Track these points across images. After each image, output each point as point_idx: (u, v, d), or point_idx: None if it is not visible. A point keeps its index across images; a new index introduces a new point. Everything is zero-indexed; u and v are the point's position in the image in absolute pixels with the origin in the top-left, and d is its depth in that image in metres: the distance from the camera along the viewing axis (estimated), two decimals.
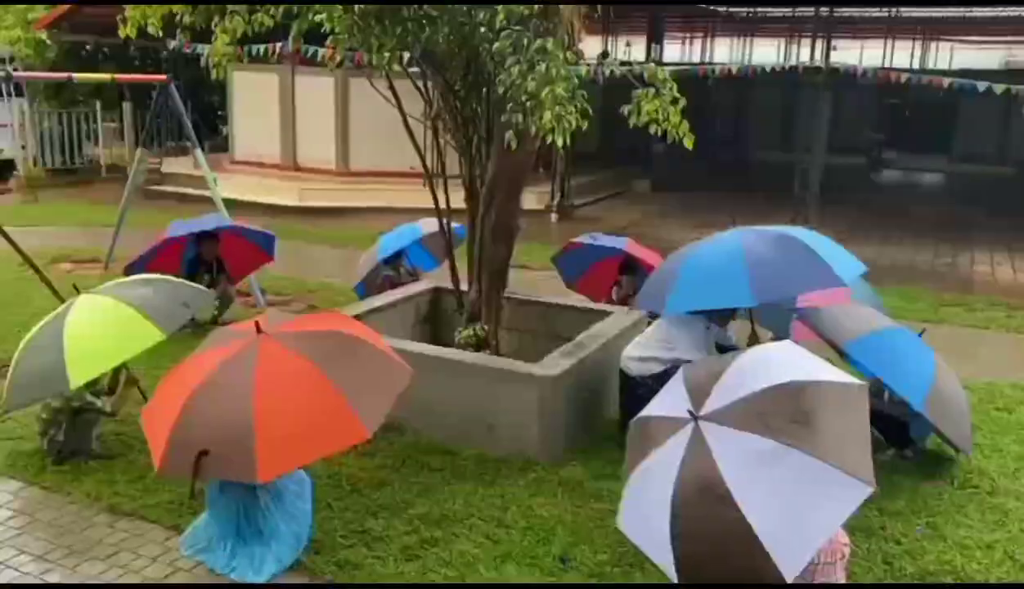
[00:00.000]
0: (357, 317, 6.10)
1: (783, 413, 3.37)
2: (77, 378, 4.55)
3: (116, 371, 5.23)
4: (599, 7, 5.38)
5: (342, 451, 4.64)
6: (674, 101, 5.14)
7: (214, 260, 7.76)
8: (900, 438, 5.38)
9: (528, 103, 4.60)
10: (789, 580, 3.11)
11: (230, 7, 5.21)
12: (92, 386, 5.04)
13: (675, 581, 3.32)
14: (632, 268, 7.26)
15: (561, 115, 4.52)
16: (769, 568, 3.10)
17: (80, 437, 5.11)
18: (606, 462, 5.19)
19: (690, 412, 3.55)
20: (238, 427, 3.61)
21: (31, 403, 4.94)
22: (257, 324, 4.10)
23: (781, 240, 5.00)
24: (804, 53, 24.03)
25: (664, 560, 3.36)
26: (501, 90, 4.79)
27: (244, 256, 8.02)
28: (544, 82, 4.53)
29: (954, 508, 4.83)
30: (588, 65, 11.80)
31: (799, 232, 5.19)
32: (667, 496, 3.35)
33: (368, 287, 7.73)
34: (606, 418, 5.87)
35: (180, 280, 5.59)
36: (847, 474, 3.22)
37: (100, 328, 4.80)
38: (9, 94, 15.76)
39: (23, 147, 15.92)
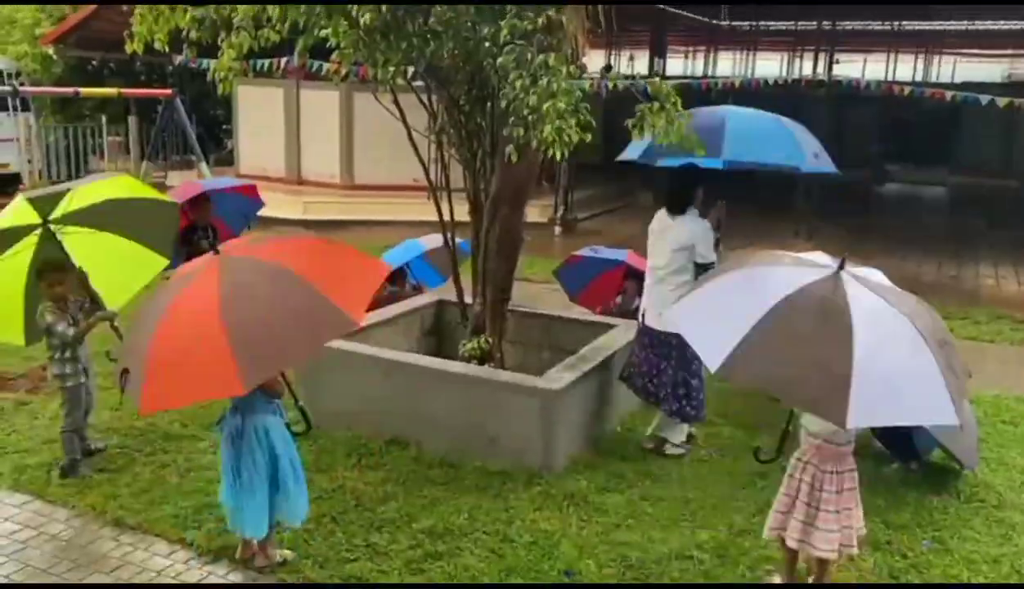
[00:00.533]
0: (361, 330, 6.12)
1: (929, 326, 3.38)
2: (115, 302, 5.00)
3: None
4: (603, 22, 5.40)
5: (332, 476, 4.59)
6: (678, 114, 5.16)
7: (208, 226, 7.37)
8: (905, 451, 5.38)
9: (530, 117, 4.62)
10: (848, 427, 3.21)
11: (236, 23, 5.23)
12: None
13: (712, 371, 3.38)
14: (636, 277, 7.28)
15: (562, 129, 4.53)
16: (835, 409, 3.13)
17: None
18: (610, 475, 5.19)
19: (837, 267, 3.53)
20: (313, 296, 3.57)
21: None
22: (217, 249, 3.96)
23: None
24: (807, 67, 24.13)
25: (714, 357, 3.36)
26: (504, 104, 4.82)
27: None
28: (546, 96, 4.55)
29: (960, 522, 4.81)
30: (592, 79, 11.85)
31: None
32: (766, 302, 3.35)
33: (372, 303, 7.73)
34: (609, 431, 5.87)
35: (146, 190, 5.69)
36: (953, 410, 3.17)
37: (113, 259, 5.12)
38: (16, 109, 15.84)
39: (29, 161, 15.99)
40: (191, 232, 7.10)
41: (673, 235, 5.50)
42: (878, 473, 5.30)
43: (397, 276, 7.84)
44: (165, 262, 5.26)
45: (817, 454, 3.82)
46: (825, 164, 6.09)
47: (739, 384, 3.36)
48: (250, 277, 3.70)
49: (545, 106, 4.51)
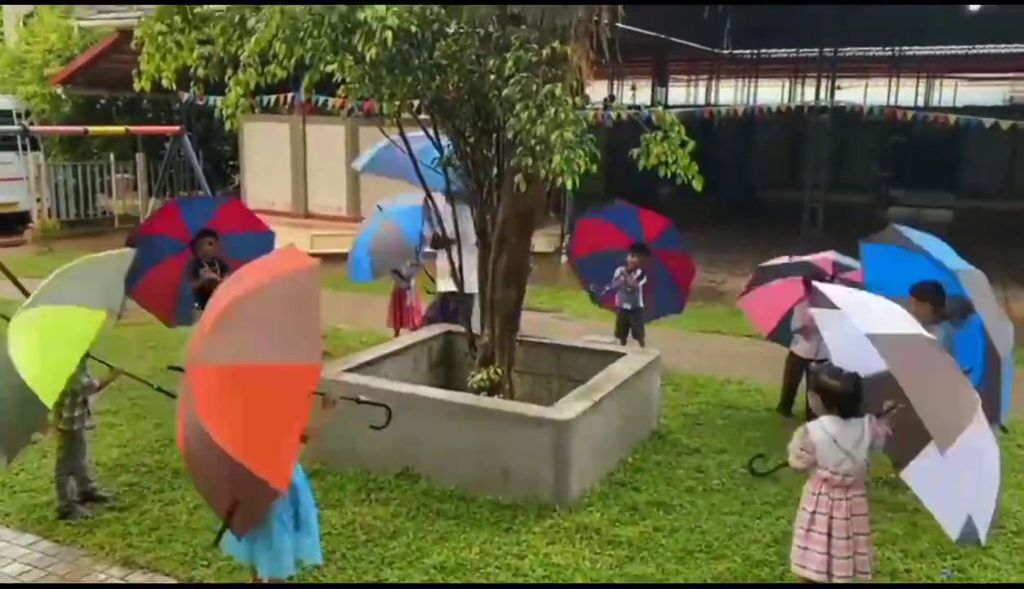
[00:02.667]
0: (369, 363, 6.11)
1: None
2: (48, 396, 3.98)
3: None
4: (606, 53, 5.43)
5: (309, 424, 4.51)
6: (682, 144, 5.19)
7: (215, 260, 7.20)
8: None
9: (537, 147, 4.64)
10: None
11: (243, 60, 5.29)
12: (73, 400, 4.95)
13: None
14: (641, 248, 7.38)
15: (570, 158, 4.56)
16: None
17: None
18: (623, 508, 5.13)
19: None
20: (230, 471, 3.36)
21: (23, 445, 4.55)
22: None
23: None
24: (809, 93, 24.28)
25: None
26: (511, 135, 4.84)
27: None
28: (553, 126, 4.58)
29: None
30: (595, 109, 11.92)
31: None
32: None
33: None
34: (621, 461, 5.81)
35: (96, 255, 5.06)
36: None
37: (43, 339, 4.28)
38: (25, 148, 15.99)
39: (38, 200, 16.11)
40: (197, 266, 7.12)
41: None
42: (894, 501, 5.24)
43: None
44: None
45: (825, 485, 3.84)
46: None
47: (880, 352, 3.61)
48: (223, 332, 3.57)
49: (553, 136, 4.53)
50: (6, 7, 22.20)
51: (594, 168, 4.75)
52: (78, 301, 4.33)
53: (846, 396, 3.79)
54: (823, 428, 3.82)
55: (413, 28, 4.86)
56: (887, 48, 23.59)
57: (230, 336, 3.54)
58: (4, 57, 18.68)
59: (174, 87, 5.76)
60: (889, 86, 27.42)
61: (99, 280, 4.64)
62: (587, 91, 5.83)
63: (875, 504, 4.06)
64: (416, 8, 4.73)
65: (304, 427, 3.58)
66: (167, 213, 7.47)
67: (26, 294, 4.91)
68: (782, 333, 6.80)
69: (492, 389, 5.82)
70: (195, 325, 4.00)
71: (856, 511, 3.83)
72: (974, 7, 14.44)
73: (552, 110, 4.62)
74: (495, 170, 5.85)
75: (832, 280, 6.21)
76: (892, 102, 25.72)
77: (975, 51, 23.08)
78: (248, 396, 3.41)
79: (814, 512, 3.85)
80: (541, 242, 13.37)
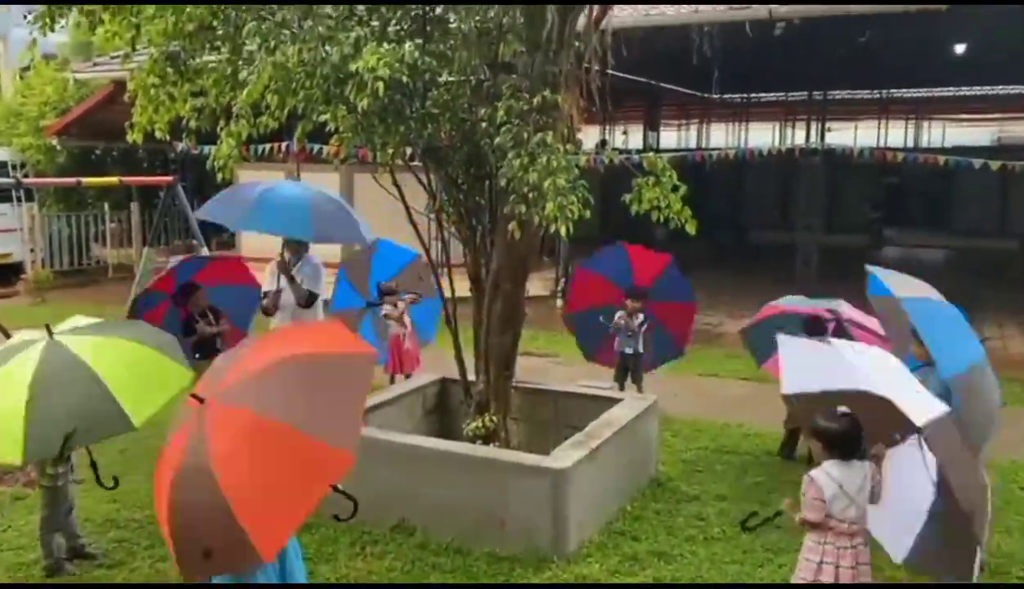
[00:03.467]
0: (364, 411, 6.03)
1: None
2: (139, 416, 4.16)
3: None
4: (596, 100, 5.48)
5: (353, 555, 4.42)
6: (675, 188, 5.21)
7: (205, 310, 7.08)
8: None
9: (531, 194, 4.64)
10: None
11: (235, 111, 5.31)
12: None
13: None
14: (638, 293, 7.35)
15: (563, 205, 4.56)
16: None
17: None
18: (623, 558, 5.04)
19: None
20: (220, 519, 3.18)
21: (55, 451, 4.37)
22: (195, 395, 3.60)
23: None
24: (800, 135, 24.53)
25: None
26: (503, 182, 4.85)
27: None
28: (546, 174, 4.59)
29: None
30: (587, 155, 12.00)
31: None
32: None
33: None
34: (620, 510, 5.72)
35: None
36: None
37: (132, 367, 4.44)
38: (20, 199, 16.02)
39: (32, 250, 16.09)
40: (192, 321, 7.07)
41: None
42: None
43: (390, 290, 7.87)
44: (190, 376, 4.55)
45: (831, 533, 3.77)
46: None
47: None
48: (263, 383, 3.48)
49: (546, 183, 4.54)
50: (3, 64, 22.44)
51: (587, 213, 4.76)
52: (168, 353, 4.58)
53: (846, 438, 3.74)
54: (827, 474, 3.75)
55: (404, 78, 4.89)
56: (876, 91, 23.91)
57: (275, 391, 3.42)
58: (0, 110, 18.82)
59: (167, 138, 5.78)
60: (879, 127, 27.72)
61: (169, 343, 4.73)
62: (579, 136, 5.86)
63: (875, 550, 3.98)
64: (407, 58, 4.76)
65: (310, 514, 3.39)
66: (166, 276, 7.49)
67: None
68: (755, 338, 6.81)
69: (487, 437, 5.75)
70: (220, 360, 3.88)
71: (861, 560, 3.75)
72: (960, 48, 14.65)
73: (544, 158, 4.64)
74: (488, 216, 5.85)
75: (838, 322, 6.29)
76: (882, 143, 25.99)
77: (963, 93, 23.38)
78: (269, 456, 3.26)
79: (820, 562, 3.77)
80: (536, 286, 13.35)
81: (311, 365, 3.56)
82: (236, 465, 3.26)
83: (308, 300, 7.01)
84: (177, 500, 3.32)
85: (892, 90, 23.86)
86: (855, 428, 3.74)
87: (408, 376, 7.81)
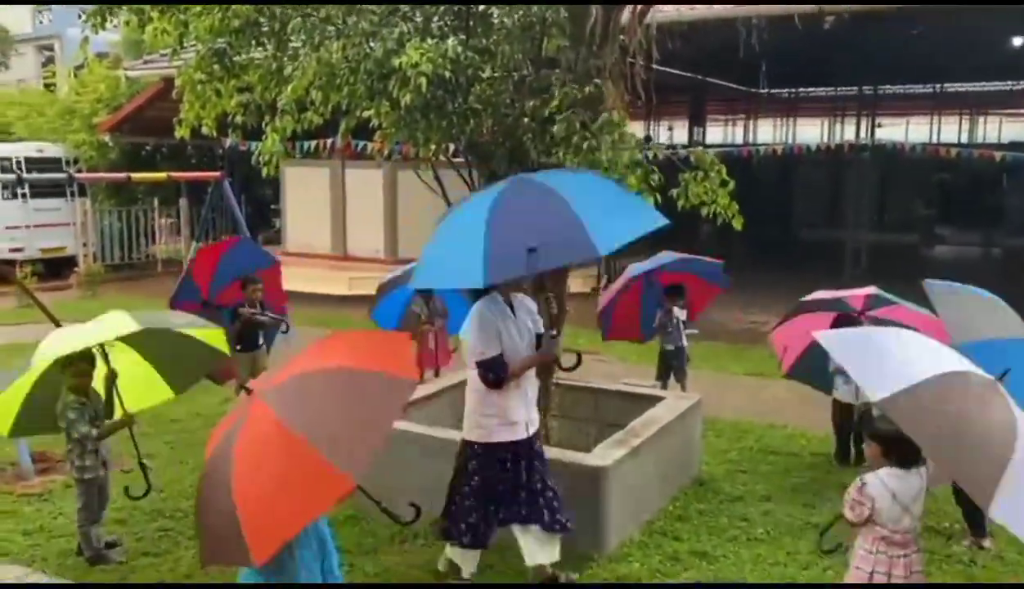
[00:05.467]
0: (405, 406, 6.04)
1: None
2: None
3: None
4: (642, 94, 5.42)
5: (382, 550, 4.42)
6: (723, 183, 5.13)
7: (259, 302, 7.11)
8: (981, 527, 5.07)
9: (605, 170, 4.61)
10: (991, 515, 2.95)
11: (280, 107, 5.36)
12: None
13: (875, 400, 3.18)
14: (675, 291, 7.17)
15: (645, 175, 4.53)
16: (981, 487, 2.98)
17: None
18: (664, 557, 4.98)
19: None
20: (225, 511, 3.26)
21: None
22: (247, 388, 3.70)
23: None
24: (849, 131, 24.09)
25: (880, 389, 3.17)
26: (576, 162, 4.75)
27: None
28: (620, 150, 4.57)
29: None
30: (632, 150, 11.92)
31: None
32: (940, 365, 3.23)
33: (388, 317, 7.69)
34: (662, 509, 5.66)
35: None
36: None
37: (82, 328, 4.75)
38: (72, 194, 16.41)
39: (84, 244, 16.49)
40: (239, 305, 7.15)
41: None
42: (947, 552, 5.02)
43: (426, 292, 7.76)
44: (169, 394, 5.14)
45: (883, 542, 3.63)
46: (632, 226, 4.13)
47: (893, 419, 3.27)
48: (300, 388, 3.56)
49: (625, 156, 4.50)
50: (59, 62, 22.97)
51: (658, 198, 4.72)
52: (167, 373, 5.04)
53: (906, 442, 3.57)
54: (882, 482, 3.58)
55: (447, 74, 4.90)
56: (928, 85, 23.36)
57: (308, 399, 3.49)
58: (56, 107, 19.29)
59: (215, 134, 5.85)
60: (931, 123, 27.09)
61: (186, 364, 5.10)
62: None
63: (927, 556, 3.86)
64: (450, 54, 4.76)
65: (303, 528, 3.44)
66: (209, 253, 7.53)
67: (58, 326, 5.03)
68: (802, 370, 6.44)
69: None
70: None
71: (914, 568, 3.62)
72: (1018, 41, 14.23)
73: (612, 136, 4.61)
74: None
75: (860, 316, 6.01)
76: (934, 139, 25.40)
77: (1020, 86, 22.73)
78: (280, 464, 3.30)
79: (872, 572, 3.64)
80: (577, 283, 13.30)
81: (352, 379, 3.59)
82: (250, 463, 3.33)
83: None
84: (202, 482, 3.45)
85: (945, 84, 23.27)
86: None
87: (437, 372, 7.84)
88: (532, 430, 4.51)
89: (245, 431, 3.40)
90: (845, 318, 6.02)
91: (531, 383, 4.55)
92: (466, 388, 4.58)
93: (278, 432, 3.36)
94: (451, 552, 4.61)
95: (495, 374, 4.30)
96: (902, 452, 3.56)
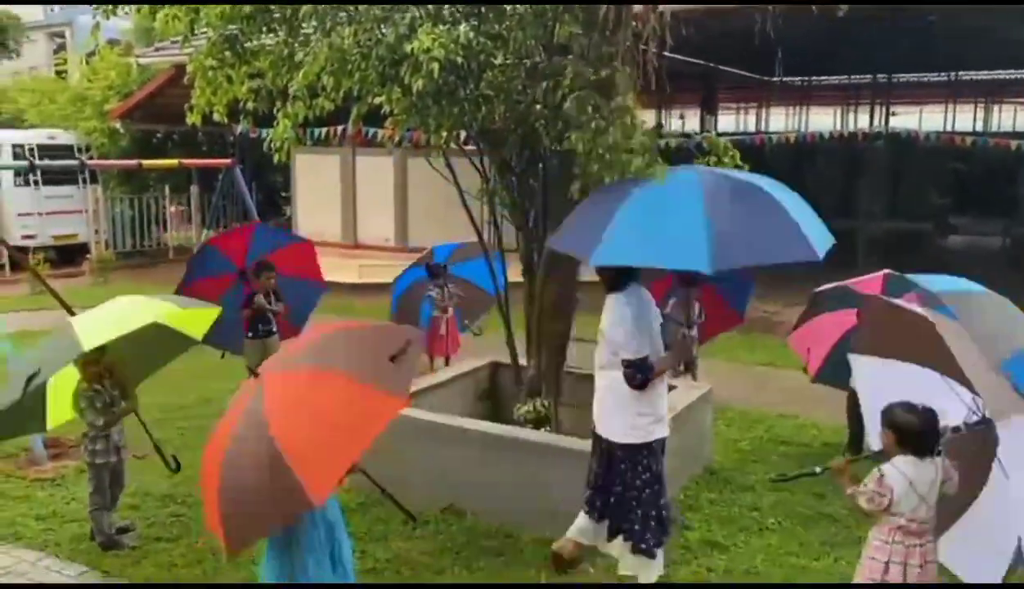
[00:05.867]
0: (414, 394, 6.05)
1: None
2: (89, 343, 4.46)
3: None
4: (653, 80, 5.37)
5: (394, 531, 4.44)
6: (736, 168, 5.08)
7: (271, 291, 7.05)
8: None
9: (607, 155, 4.54)
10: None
11: (291, 93, 5.34)
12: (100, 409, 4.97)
13: None
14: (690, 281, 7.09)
15: (650, 162, 4.46)
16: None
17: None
18: (674, 545, 4.96)
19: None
20: (272, 468, 3.26)
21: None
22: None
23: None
24: (862, 119, 23.88)
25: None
26: (580, 147, 4.68)
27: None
28: (627, 134, 4.53)
29: None
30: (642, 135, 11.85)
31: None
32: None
33: (404, 303, 7.85)
34: (671, 498, 5.63)
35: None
36: None
37: (106, 311, 4.83)
38: (84, 182, 16.46)
39: (96, 231, 16.55)
40: (253, 294, 7.13)
41: (604, 317, 4.44)
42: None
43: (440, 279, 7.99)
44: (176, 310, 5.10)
45: (899, 532, 3.61)
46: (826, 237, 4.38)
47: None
48: (312, 347, 3.79)
49: (634, 140, 4.45)
50: (70, 50, 23.00)
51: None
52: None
53: (923, 433, 3.57)
54: (900, 471, 3.57)
55: (459, 60, 4.86)
56: (943, 73, 23.12)
57: (334, 349, 3.68)
58: (67, 94, 19.33)
59: (226, 120, 5.84)
60: (946, 111, 26.84)
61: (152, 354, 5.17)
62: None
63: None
64: (462, 39, 4.72)
65: (362, 454, 3.48)
66: (238, 234, 7.55)
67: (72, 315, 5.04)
68: (829, 373, 6.26)
69: (539, 422, 5.72)
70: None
71: (929, 558, 3.60)
72: None
73: (624, 119, 4.57)
74: (541, 200, 5.80)
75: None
76: (949, 128, 25.16)
77: None
78: (325, 403, 3.40)
79: (888, 562, 3.62)
80: (589, 270, 13.26)
81: (366, 332, 3.92)
82: (291, 417, 3.41)
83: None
84: (222, 470, 3.40)
85: (961, 73, 23.03)
86: (932, 423, 3.58)
87: (448, 361, 7.84)
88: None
89: (272, 398, 3.48)
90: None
91: (664, 377, 4.50)
92: (602, 389, 4.43)
93: (315, 376, 3.50)
94: (634, 565, 4.39)
95: (644, 375, 4.20)
96: (917, 441, 3.56)
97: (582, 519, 4.54)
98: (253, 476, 3.31)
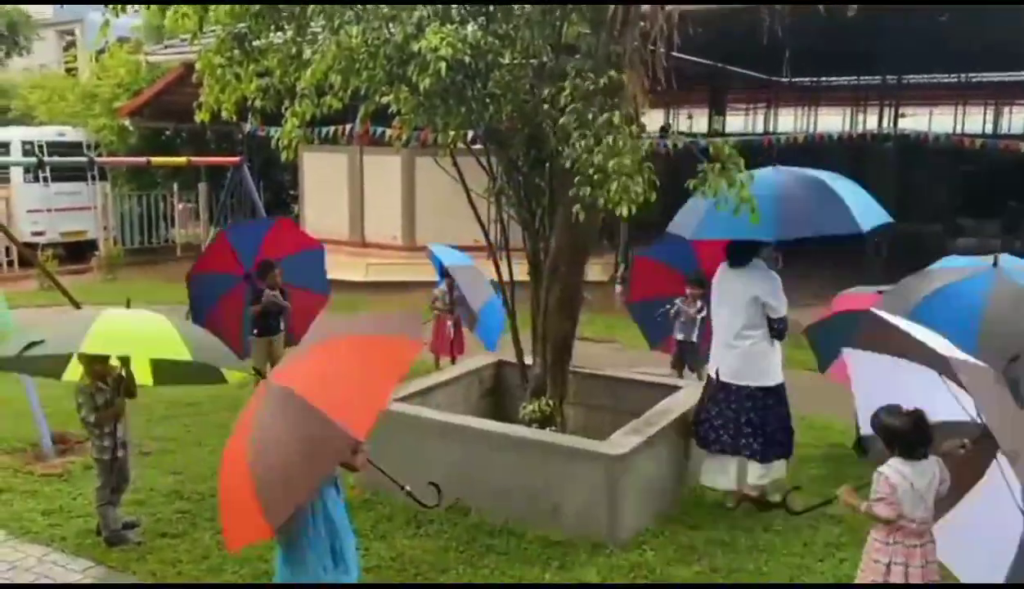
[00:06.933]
0: (419, 392, 6.07)
1: None
2: (90, 348, 4.53)
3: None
4: (662, 81, 5.36)
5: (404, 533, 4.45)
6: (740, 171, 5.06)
7: (278, 287, 7.14)
8: None
9: (596, 176, 4.57)
10: None
11: (299, 91, 5.35)
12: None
13: None
14: (699, 280, 7.09)
15: (628, 186, 4.48)
16: None
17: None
18: (679, 546, 4.98)
19: None
20: (308, 422, 3.33)
21: (31, 359, 4.69)
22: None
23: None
24: (871, 120, 23.79)
25: None
26: (568, 163, 4.77)
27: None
28: (611, 154, 4.52)
29: None
30: (651, 138, 11.83)
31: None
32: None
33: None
34: (677, 498, 5.64)
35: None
36: None
37: (133, 324, 4.77)
38: (93, 178, 16.52)
39: (104, 228, 16.60)
40: (261, 291, 7.17)
41: (741, 288, 5.45)
42: None
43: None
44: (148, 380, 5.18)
45: (900, 532, 3.61)
46: (879, 216, 5.59)
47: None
48: (270, 418, 3.59)
49: (611, 164, 4.48)
50: (80, 47, 23.08)
51: (653, 197, 4.67)
52: (185, 335, 4.68)
53: (907, 435, 3.58)
54: (897, 471, 3.58)
55: (467, 59, 4.86)
56: (953, 75, 23.02)
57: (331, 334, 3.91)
58: (77, 91, 19.39)
59: (234, 118, 5.85)
60: (956, 113, 26.73)
61: (218, 349, 4.88)
62: (643, 120, 5.75)
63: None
64: (470, 39, 4.72)
65: (392, 389, 3.69)
66: (218, 248, 7.56)
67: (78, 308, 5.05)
68: (821, 335, 6.29)
69: (544, 421, 5.72)
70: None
71: (930, 558, 3.61)
72: None
73: (610, 138, 4.57)
74: (547, 199, 5.80)
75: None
76: (959, 129, 25.06)
77: None
78: (340, 361, 3.58)
79: (890, 563, 3.62)
80: (595, 270, 13.25)
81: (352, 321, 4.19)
82: (314, 380, 3.51)
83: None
84: (255, 442, 3.40)
85: (970, 74, 22.93)
86: (919, 426, 3.57)
87: (453, 361, 7.84)
88: None
89: (286, 380, 3.57)
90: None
91: None
92: (745, 347, 5.41)
93: (326, 347, 3.71)
94: (778, 470, 5.53)
95: (788, 330, 5.49)
96: (905, 444, 3.60)
97: (731, 463, 5.52)
98: (288, 437, 3.37)
